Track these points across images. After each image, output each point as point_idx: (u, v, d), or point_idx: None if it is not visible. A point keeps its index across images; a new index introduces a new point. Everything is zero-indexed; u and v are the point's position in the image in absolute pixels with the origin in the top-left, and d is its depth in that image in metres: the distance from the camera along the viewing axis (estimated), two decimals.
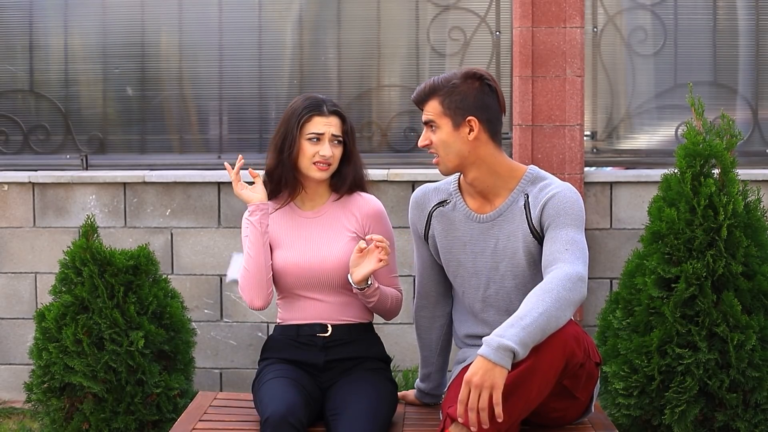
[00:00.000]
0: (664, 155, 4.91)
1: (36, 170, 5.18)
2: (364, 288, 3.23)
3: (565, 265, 2.84)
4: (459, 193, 3.16)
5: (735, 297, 3.68)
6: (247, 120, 5.22)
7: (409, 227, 3.29)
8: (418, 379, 3.44)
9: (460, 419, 2.71)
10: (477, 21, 5.07)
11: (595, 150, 5.06)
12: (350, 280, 3.23)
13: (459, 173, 3.14)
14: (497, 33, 5.05)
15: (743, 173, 4.00)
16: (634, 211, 4.85)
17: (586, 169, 4.95)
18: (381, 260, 3.16)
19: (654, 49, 5.05)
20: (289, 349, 3.34)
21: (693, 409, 3.66)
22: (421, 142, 3.09)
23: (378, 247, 3.17)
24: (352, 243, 3.31)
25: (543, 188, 3.03)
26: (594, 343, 3.11)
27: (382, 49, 5.14)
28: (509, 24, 5.01)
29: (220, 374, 5.05)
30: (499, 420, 2.64)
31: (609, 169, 5.01)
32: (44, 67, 5.27)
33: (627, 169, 5.00)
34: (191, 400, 3.77)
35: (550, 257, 2.90)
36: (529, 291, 2.85)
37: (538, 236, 3.01)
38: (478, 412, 2.65)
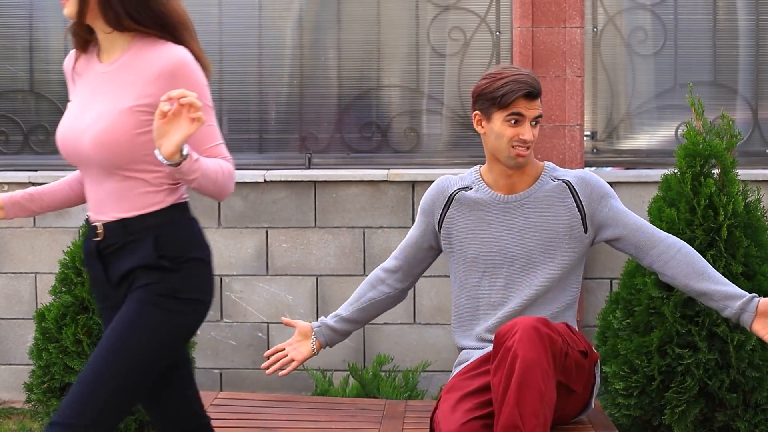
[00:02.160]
0: (664, 155, 4.90)
1: (36, 170, 5.17)
2: (180, 162, 2.40)
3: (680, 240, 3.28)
4: (481, 181, 3.29)
5: None
6: (247, 120, 5.21)
7: (408, 227, 3.27)
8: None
9: None
10: (477, 21, 5.07)
11: (595, 150, 5.06)
12: (159, 157, 2.41)
13: (479, 166, 3.33)
14: (497, 33, 5.05)
15: (743, 173, 4.00)
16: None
17: (586, 169, 4.94)
18: (195, 120, 2.37)
19: (654, 49, 5.05)
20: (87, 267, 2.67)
21: (693, 410, 3.66)
22: (531, 137, 3.18)
23: (184, 105, 2.37)
24: (125, 114, 2.52)
25: (578, 175, 3.27)
26: (571, 332, 3.11)
27: (382, 49, 5.14)
28: (509, 24, 5.01)
29: (220, 374, 5.05)
30: None
31: (609, 169, 5.01)
32: (44, 67, 5.26)
33: (627, 169, 5.00)
34: None
35: (656, 234, 3.29)
36: (558, 267, 3.18)
37: (583, 214, 3.23)
38: None
